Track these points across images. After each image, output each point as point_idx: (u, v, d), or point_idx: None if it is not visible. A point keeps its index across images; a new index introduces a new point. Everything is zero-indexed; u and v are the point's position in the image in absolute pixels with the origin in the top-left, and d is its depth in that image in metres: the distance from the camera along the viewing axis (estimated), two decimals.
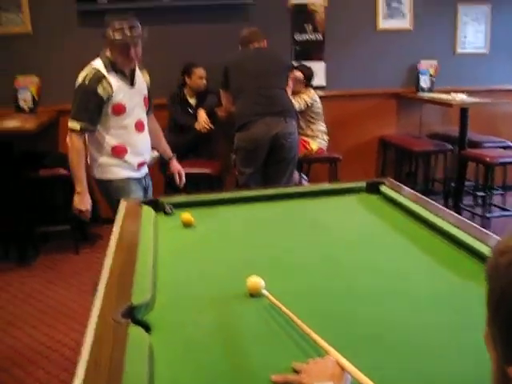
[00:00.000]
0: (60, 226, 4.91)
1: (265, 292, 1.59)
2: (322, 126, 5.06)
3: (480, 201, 5.42)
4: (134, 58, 3.17)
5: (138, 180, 3.38)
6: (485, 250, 1.77)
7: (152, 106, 3.55)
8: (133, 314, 1.47)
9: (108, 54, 3.17)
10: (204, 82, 5.13)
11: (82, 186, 3.21)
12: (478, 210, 5.17)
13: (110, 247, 1.99)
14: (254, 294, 1.62)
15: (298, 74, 4.91)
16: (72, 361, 3.12)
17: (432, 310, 1.54)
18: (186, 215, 2.33)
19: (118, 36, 3.07)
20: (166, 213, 2.46)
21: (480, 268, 1.66)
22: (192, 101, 5.20)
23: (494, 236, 1.92)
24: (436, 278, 1.76)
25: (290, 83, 4.49)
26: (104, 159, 3.25)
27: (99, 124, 3.17)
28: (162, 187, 4.98)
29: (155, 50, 5.27)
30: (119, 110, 3.18)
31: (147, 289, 1.60)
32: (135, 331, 1.36)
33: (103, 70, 3.13)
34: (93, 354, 1.28)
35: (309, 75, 5.06)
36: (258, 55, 4.36)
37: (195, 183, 4.96)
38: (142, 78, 3.40)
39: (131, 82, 3.26)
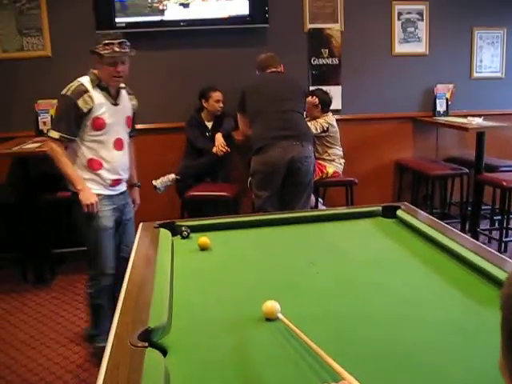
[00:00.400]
0: (76, 248, 4.94)
1: (280, 316, 1.60)
2: (338, 150, 5.06)
3: (497, 225, 5.38)
4: (121, 73, 3.21)
5: (110, 197, 3.35)
6: (501, 275, 1.76)
7: (135, 130, 3.61)
8: (149, 337, 1.48)
9: (95, 71, 3.24)
10: (221, 105, 5.17)
11: (81, 183, 3.23)
12: (495, 234, 5.13)
13: (127, 270, 2.01)
14: (270, 318, 1.62)
15: (312, 100, 4.93)
16: (87, 382, 3.13)
17: (448, 334, 1.53)
18: (203, 238, 2.34)
19: (106, 51, 3.13)
20: (182, 236, 2.48)
21: (496, 293, 1.65)
22: (209, 124, 5.24)
23: (511, 261, 1.91)
24: (451, 303, 1.75)
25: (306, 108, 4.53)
26: (78, 172, 3.26)
27: (78, 136, 3.21)
28: (178, 210, 5.00)
29: (173, 75, 5.36)
30: (99, 124, 3.22)
31: (164, 312, 1.62)
32: (152, 354, 1.37)
33: (87, 85, 3.19)
34: (110, 377, 1.29)
35: (325, 100, 5.08)
36: (275, 79, 4.40)
37: (212, 206, 4.98)
38: (128, 101, 3.46)
39: (115, 100, 3.31)
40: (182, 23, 5.22)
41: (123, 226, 3.51)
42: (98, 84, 3.22)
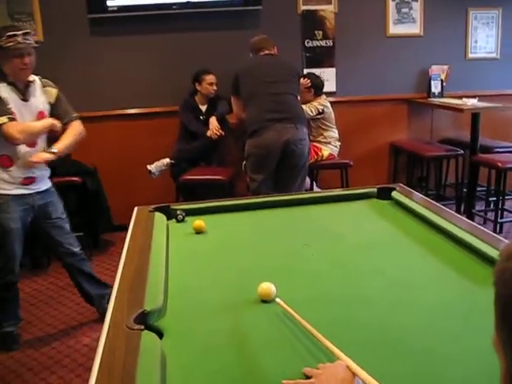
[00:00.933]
0: (73, 233, 4.93)
1: (277, 299, 1.60)
2: (334, 133, 5.06)
3: (492, 206, 5.39)
4: (28, 65, 3.13)
5: (21, 197, 3.27)
6: (496, 255, 1.76)
7: (69, 115, 3.41)
8: (145, 320, 1.48)
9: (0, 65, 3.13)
10: (214, 87, 5.15)
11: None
12: (490, 216, 5.14)
13: (122, 254, 2.01)
14: (266, 300, 1.63)
15: (305, 81, 4.92)
16: (84, 366, 3.15)
17: (443, 316, 1.54)
18: (198, 222, 2.34)
19: (10, 44, 3.03)
20: (177, 220, 2.48)
21: (491, 273, 1.65)
22: (203, 108, 5.22)
23: (506, 241, 1.92)
24: (447, 284, 1.75)
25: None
26: None
27: None
28: (173, 194, 5.00)
29: (166, 58, 5.33)
30: None
31: (159, 295, 1.62)
32: (148, 337, 1.37)
33: None
34: (106, 360, 1.29)
35: (317, 84, 5.06)
36: (268, 62, 4.38)
37: (207, 190, 4.98)
38: (41, 95, 3.32)
39: (24, 95, 3.21)
40: (174, 6, 5.18)
41: (51, 226, 3.46)
42: (5, 79, 3.13)
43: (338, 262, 2.01)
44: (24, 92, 3.21)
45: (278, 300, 1.60)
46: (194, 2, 5.21)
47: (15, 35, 3.02)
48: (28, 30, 3.11)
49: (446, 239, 2.09)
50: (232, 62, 4.54)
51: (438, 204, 2.51)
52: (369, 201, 2.70)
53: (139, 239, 2.17)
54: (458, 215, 2.37)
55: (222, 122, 5.05)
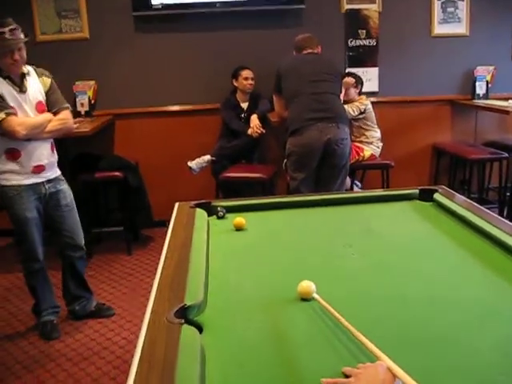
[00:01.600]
0: (113, 228, 5.01)
1: (316, 296, 1.60)
2: (376, 133, 5.02)
3: None
4: (19, 61, 3.16)
5: (33, 187, 3.35)
6: None
7: (59, 103, 3.43)
8: (186, 315, 1.49)
9: None
10: (250, 82, 5.15)
11: None
12: None
13: (163, 249, 2.03)
14: (306, 299, 1.62)
15: (349, 79, 4.90)
16: (122, 359, 3.19)
17: (484, 320, 1.51)
18: (239, 219, 2.35)
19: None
20: (218, 216, 2.49)
21: None
22: (244, 106, 5.24)
23: None
24: (489, 288, 1.72)
25: (343, 90, 4.50)
26: None
27: None
28: (213, 192, 5.03)
29: (208, 56, 5.36)
30: None
31: (200, 290, 1.63)
32: (188, 331, 1.38)
33: None
34: (146, 353, 1.30)
35: (360, 82, 5.05)
36: (311, 60, 4.36)
37: (247, 188, 5.00)
38: (36, 84, 3.36)
39: (20, 87, 3.25)
40: (217, 4, 5.21)
41: (60, 214, 3.52)
42: (0, 74, 3.18)
43: (378, 262, 1.99)
44: (20, 84, 3.27)
45: (315, 295, 1.59)
46: (236, 1, 5.24)
47: (2, 33, 3.06)
48: (14, 26, 3.11)
49: (489, 242, 2.06)
50: (274, 61, 4.55)
51: (481, 207, 2.47)
52: (410, 202, 2.67)
53: (180, 235, 2.19)
54: (502, 218, 2.33)
55: (263, 120, 5.06)
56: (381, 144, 5.04)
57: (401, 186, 2.98)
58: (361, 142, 4.97)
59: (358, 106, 4.89)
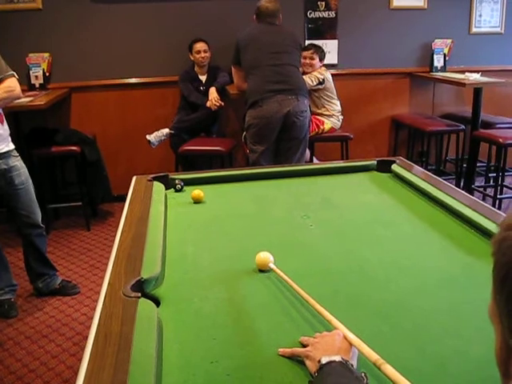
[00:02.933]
0: (71, 203, 4.93)
1: (273, 266, 1.60)
2: (336, 106, 5.00)
3: (492, 182, 5.38)
4: None
5: None
6: (495, 229, 1.75)
7: (3, 72, 3.25)
8: (142, 288, 1.48)
9: None
10: (202, 55, 5.06)
11: None
12: (490, 192, 5.13)
13: (120, 222, 2.00)
14: (263, 270, 1.62)
15: (309, 53, 4.88)
16: (82, 335, 3.16)
17: (441, 289, 1.53)
18: (197, 191, 2.33)
19: None
20: (176, 189, 2.47)
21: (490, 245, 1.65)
22: (203, 78, 5.17)
23: (504, 215, 1.90)
24: (446, 257, 1.75)
25: (309, 62, 4.49)
26: None
27: None
28: (173, 164, 4.99)
29: (167, 28, 5.27)
30: None
31: (157, 263, 1.61)
32: (145, 305, 1.37)
33: None
34: (103, 327, 1.29)
35: (321, 53, 5.02)
36: (270, 31, 4.30)
37: (206, 161, 4.97)
38: None
39: None
40: None
41: (15, 193, 3.41)
42: None
43: (336, 232, 2.00)
44: None
45: (272, 266, 1.60)
46: None
47: None
48: None
49: (446, 213, 2.09)
50: (234, 32, 4.49)
51: (437, 178, 2.50)
52: (368, 173, 2.69)
53: (137, 208, 2.16)
54: (458, 189, 2.36)
55: (222, 92, 5.01)
56: (341, 117, 5.05)
57: (360, 158, 3.00)
58: (321, 114, 4.96)
59: (317, 75, 4.86)
